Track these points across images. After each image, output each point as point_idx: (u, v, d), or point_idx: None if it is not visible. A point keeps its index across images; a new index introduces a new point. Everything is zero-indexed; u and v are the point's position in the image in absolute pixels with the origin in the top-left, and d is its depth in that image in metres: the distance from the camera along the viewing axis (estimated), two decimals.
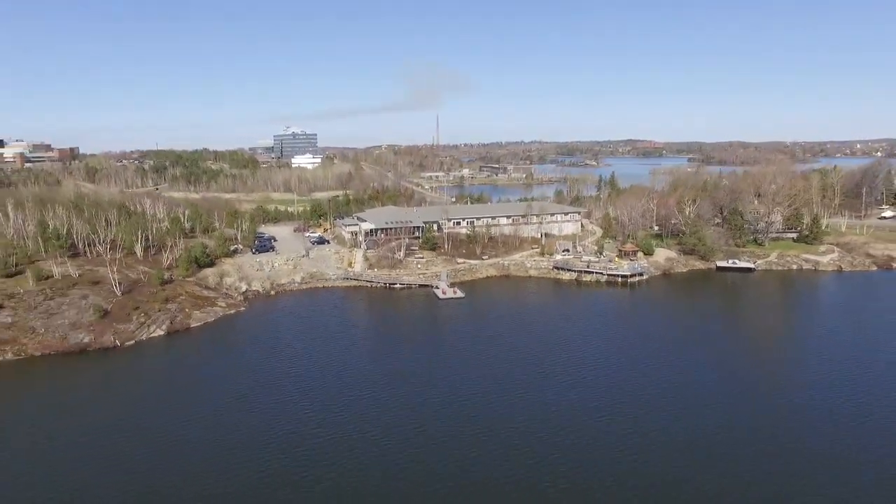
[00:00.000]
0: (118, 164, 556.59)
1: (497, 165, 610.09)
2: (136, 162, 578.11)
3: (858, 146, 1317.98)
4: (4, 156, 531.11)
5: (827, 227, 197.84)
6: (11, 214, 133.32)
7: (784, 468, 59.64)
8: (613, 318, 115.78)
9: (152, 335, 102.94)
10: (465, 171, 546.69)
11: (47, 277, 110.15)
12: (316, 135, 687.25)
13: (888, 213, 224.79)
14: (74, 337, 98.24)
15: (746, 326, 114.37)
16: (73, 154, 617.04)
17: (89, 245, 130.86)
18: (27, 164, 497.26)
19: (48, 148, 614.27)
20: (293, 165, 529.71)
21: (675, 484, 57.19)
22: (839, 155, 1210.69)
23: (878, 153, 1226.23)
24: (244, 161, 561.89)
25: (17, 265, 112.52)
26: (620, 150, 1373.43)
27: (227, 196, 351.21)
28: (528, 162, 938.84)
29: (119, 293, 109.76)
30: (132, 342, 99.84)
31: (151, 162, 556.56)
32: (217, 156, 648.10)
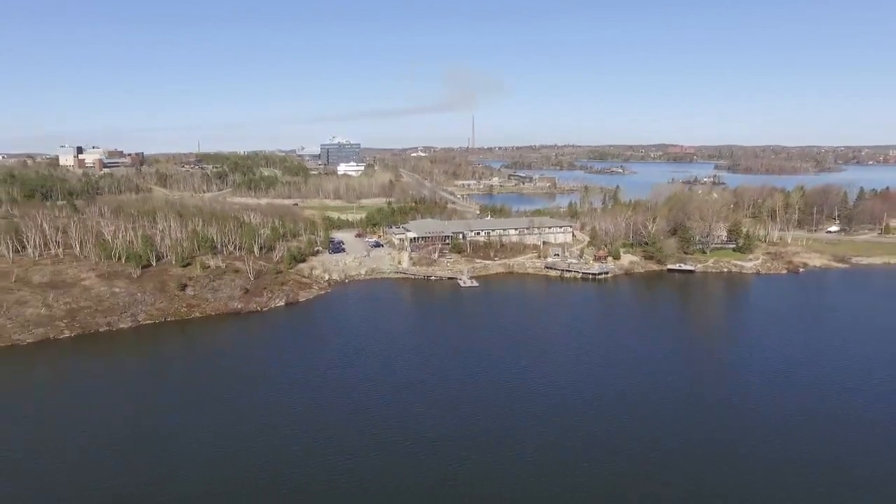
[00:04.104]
0: (182, 168, 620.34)
1: (524, 175, 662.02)
2: (199, 167, 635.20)
3: (893, 152, 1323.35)
4: (86, 161, 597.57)
5: (779, 238, 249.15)
6: (171, 223, 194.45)
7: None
8: (580, 301, 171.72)
9: (277, 305, 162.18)
10: (495, 180, 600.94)
11: (206, 267, 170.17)
12: (359, 144, 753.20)
13: (833, 228, 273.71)
14: (232, 304, 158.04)
15: (671, 305, 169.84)
16: (141, 159, 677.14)
17: (223, 245, 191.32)
18: (105, 169, 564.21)
19: (121, 154, 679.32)
20: (339, 173, 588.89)
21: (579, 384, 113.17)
22: (871, 162, 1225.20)
23: None
24: (295, 168, 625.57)
25: (186, 258, 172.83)
26: (652, 154, 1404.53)
27: (288, 202, 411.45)
28: (558, 167, 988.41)
29: (252, 278, 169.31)
30: (267, 309, 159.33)
31: (211, 167, 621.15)
32: (268, 160, 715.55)
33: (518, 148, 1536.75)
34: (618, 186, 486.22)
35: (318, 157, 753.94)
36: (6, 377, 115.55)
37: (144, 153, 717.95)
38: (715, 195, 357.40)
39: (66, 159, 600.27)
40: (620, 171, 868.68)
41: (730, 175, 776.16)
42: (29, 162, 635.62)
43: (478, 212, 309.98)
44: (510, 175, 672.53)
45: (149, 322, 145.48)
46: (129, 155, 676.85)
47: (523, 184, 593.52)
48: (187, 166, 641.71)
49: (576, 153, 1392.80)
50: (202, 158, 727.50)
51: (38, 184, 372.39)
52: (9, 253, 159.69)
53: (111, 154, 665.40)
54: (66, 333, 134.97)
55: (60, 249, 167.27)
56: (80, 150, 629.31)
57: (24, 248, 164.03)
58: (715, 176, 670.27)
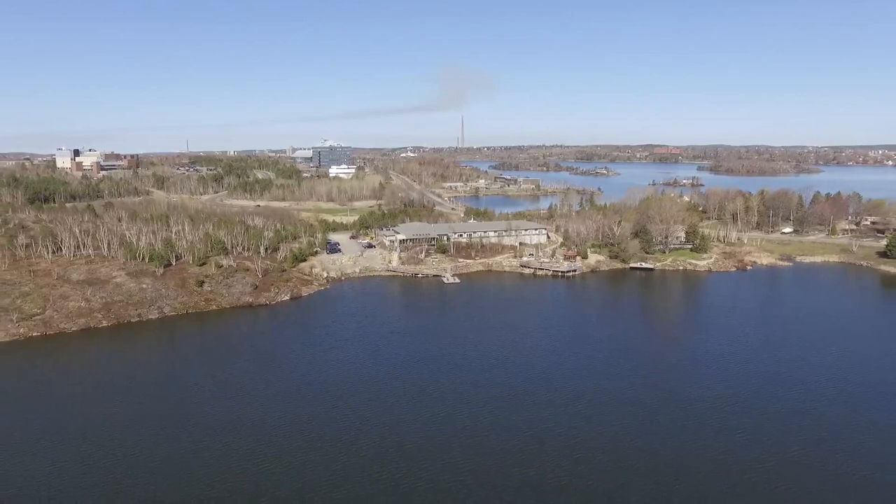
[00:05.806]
0: (178, 171, 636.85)
1: (509, 177, 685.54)
2: (194, 170, 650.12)
3: (880, 152, 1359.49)
4: (83, 164, 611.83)
5: (737, 239, 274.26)
6: (185, 227, 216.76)
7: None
8: (550, 296, 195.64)
9: (283, 299, 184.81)
10: (481, 183, 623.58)
11: (220, 266, 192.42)
12: (350, 147, 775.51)
13: (787, 230, 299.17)
14: (244, 299, 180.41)
15: (629, 298, 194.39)
16: (137, 162, 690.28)
17: (233, 246, 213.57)
18: (102, 172, 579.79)
19: (117, 156, 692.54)
20: (331, 175, 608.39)
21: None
22: (851, 163, 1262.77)
23: (889, 162, 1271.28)
24: (288, 171, 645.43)
25: (201, 259, 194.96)
26: (638, 155, 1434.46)
27: (283, 205, 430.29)
28: (544, 168, 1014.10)
29: (260, 276, 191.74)
30: (274, 302, 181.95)
31: (205, 169, 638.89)
32: (260, 162, 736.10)
33: (506, 148, 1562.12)
34: (597, 189, 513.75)
35: (310, 159, 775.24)
36: (59, 359, 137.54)
37: (138, 154, 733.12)
38: (686, 198, 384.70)
39: (64, 161, 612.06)
40: (605, 172, 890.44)
41: (711, 176, 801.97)
42: (27, 164, 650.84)
43: (462, 214, 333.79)
44: (496, 177, 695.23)
45: (173, 314, 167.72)
46: (126, 157, 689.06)
47: (508, 186, 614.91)
48: (182, 168, 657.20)
49: (563, 154, 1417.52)
50: (195, 160, 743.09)
51: (40, 187, 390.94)
52: (48, 254, 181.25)
53: (108, 157, 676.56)
54: (104, 323, 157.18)
55: (91, 250, 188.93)
56: (76, 153, 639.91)
57: (59, 249, 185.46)
58: (695, 178, 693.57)
